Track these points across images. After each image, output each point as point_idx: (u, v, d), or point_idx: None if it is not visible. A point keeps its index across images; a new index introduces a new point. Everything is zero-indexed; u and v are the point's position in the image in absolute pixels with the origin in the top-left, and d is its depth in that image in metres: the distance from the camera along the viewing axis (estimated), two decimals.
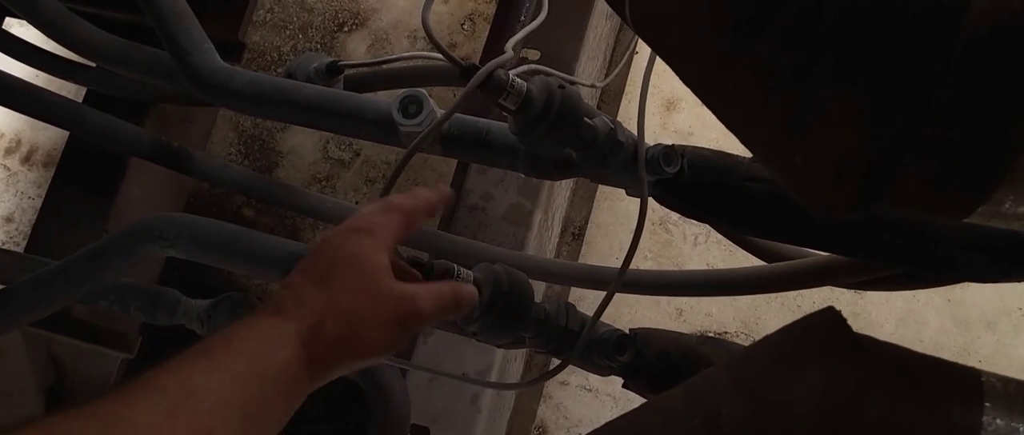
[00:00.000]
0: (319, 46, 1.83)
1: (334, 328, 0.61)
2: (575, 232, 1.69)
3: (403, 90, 0.97)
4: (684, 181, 0.90)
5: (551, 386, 1.70)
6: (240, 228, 1.03)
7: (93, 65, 1.33)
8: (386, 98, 0.99)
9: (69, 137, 1.47)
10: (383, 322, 0.64)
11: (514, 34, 1.23)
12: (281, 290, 0.64)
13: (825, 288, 1.03)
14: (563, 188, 1.57)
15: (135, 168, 1.42)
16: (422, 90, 0.97)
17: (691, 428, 0.58)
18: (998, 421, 0.53)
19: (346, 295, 0.63)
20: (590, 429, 0.68)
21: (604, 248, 1.70)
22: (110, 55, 1.19)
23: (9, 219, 1.90)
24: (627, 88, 1.74)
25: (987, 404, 0.53)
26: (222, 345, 0.56)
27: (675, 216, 1.74)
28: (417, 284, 0.69)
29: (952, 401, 0.53)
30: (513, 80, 0.84)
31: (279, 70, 1.62)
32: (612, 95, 1.74)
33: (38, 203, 1.85)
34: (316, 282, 0.64)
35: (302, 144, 1.82)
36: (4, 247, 1.74)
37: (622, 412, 0.66)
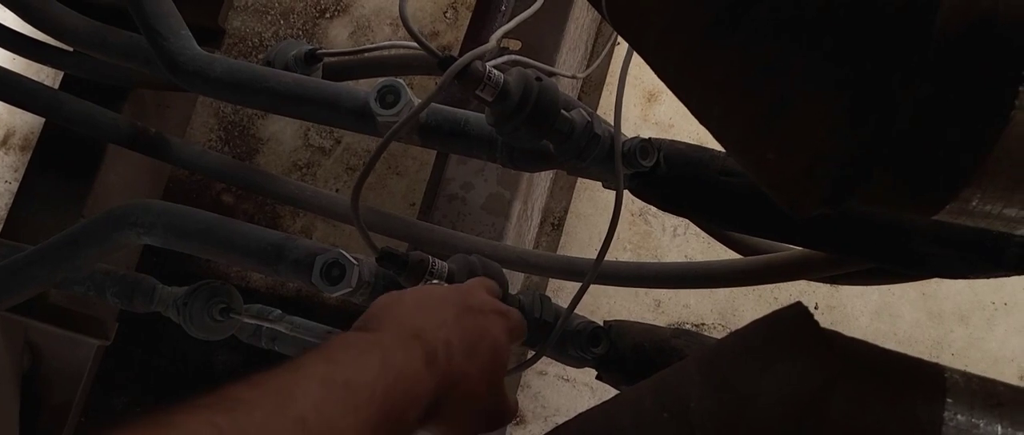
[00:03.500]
0: (301, 33, 1.82)
1: (459, 401, 0.60)
2: (555, 222, 1.70)
3: (381, 79, 0.97)
4: (660, 175, 0.90)
5: (529, 376, 1.71)
6: (217, 216, 1.03)
7: (70, 49, 1.32)
8: (367, 87, 0.99)
9: (46, 122, 1.45)
10: (484, 419, 0.63)
11: (495, 23, 1.23)
12: (433, 329, 0.60)
13: (801, 281, 1.04)
14: (543, 178, 1.57)
15: (113, 153, 1.41)
16: (400, 80, 0.97)
17: (660, 421, 0.59)
18: (959, 417, 0.53)
19: (481, 378, 0.62)
20: (566, 418, 0.68)
21: (584, 238, 1.70)
22: (86, 39, 1.18)
23: None
24: (608, 79, 1.74)
25: (949, 400, 0.54)
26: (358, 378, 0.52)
27: (654, 207, 1.75)
28: (513, 401, 0.68)
29: (916, 397, 0.54)
30: (490, 71, 0.84)
31: (260, 57, 1.61)
32: (593, 86, 1.74)
33: (14, 187, 1.83)
34: (465, 349, 0.61)
35: (283, 131, 1.82)
36: None
37: (599, 402, 0.66)
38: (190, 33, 1.05)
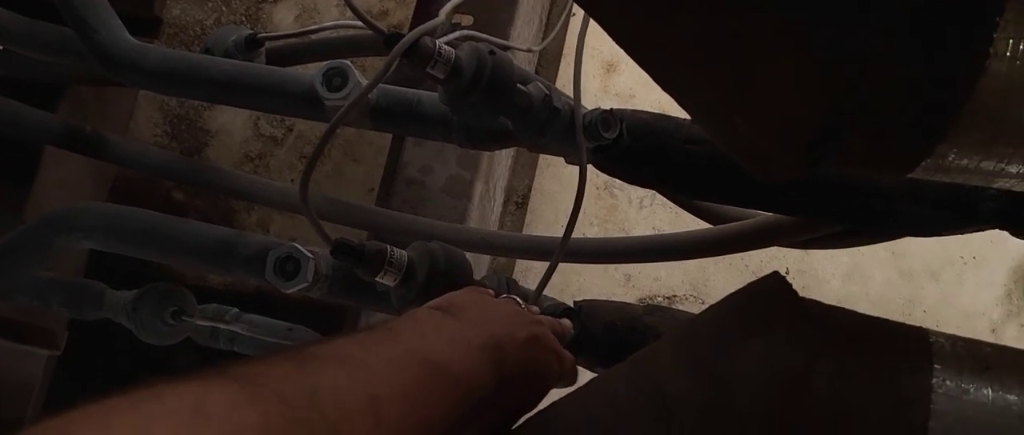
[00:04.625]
0: (244, 18, 1.75)
1: (495, 414, 0.59)
2: (518, 201, 1.66)
3: (327, 62, 0.92)
4: (623, 146, 0.87)
5: None
6: (162, 216, 0.98)
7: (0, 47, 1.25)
8: (315, 71, 0.94)
9: None
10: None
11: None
12: (507, 345, 0.60)
13: (772, 247, 1.02)
14: (504, 157, 1.53)
15: (52, 155, 1.34)
16: (346, 62, 0.92)
17: (637, 408, 0.56)
18: (948, 383, 0.51)
19: (518, 398, 0.62)
20: (542, 403, 0.65)
21: (549, 216, 1.67)
22: (14, 36, 1.11)
23: None
24: (565, 51, 1.70)
25: (937, 367, 0.51)
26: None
27: (620, 180, 1.72)
28: None
29: (903, 367, 0.51)
30: (441, 48, 0.80)
31: (195, 47, 1.55)
32: (550, 59, 1.70)
33: None
34: (523, 379, 0.61)
35: (232, 122, 1.75)
36: None
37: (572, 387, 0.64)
38: (122, 24, 0.99)
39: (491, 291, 0.76)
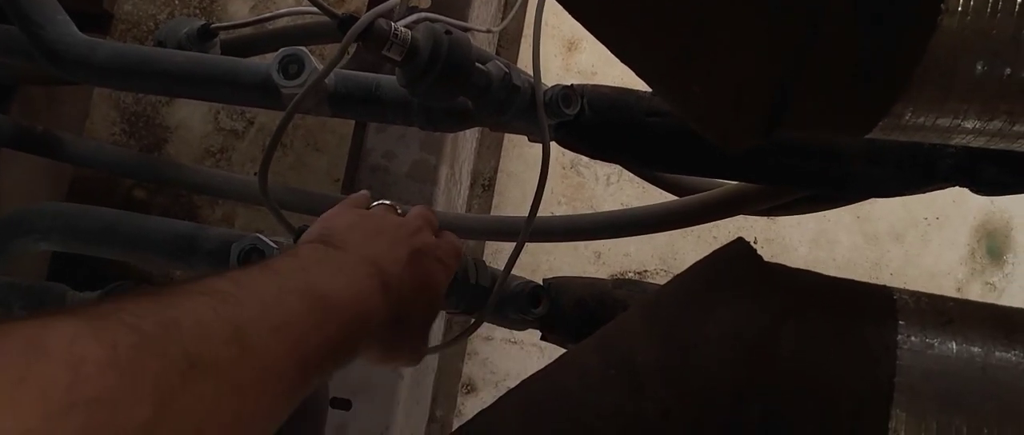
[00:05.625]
0: (198, 11, 1.72)
1: (392, 338, 0.60)
2: (485, 183, 1.65)
3: (282, 49, 0.91)
4: (586, 122, 0.86)
5: (475, 342, 1.67)
6: (120, 213, 0.96)
7: None
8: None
9: None
10: (408, 356, 0.64)
11: None
12: (389, 263, 0.60)
13: (738, 217, 1.02)
14: (469, 139, 1.52)
15: (6, 158, 1.31)
16: (302, 48, 0.91)
17: (607, 378, 0.55)
18: (913, 338, 0.51)
19: (417, 318, 0.63)
20: (517, 381, 0.65)
21: (517, 196, 1.66)
22: None
23: None
24: (525, 31, 1.69)
25: (901, 322, 0.52)
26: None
27: (586, 157, 1.72)
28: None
29: (867, 324, 0.52)
30: (396, 29, 0.78)
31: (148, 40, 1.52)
32: (510, 39, 1.69)
33: None
34: (413, 290, 0.61)
35: (190, 116, 1.72)
36: None
37: (549, 362, 0.63)
38: (69, 18, 0.97)
39: (365, 207, 0.74)
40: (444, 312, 1.54)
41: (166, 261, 0.92)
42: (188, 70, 0.92)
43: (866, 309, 0.53)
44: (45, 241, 0.91)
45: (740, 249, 0.57)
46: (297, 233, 0.77)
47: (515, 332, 1.70)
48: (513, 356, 1.66)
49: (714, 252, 0.59)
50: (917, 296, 0.56)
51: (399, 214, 0.72)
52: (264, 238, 0.87)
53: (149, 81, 0.93)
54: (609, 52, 0.61)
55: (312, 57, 0.91)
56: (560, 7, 0.80)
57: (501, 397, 0.62)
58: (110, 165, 1.09)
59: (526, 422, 0.59)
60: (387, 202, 0.75)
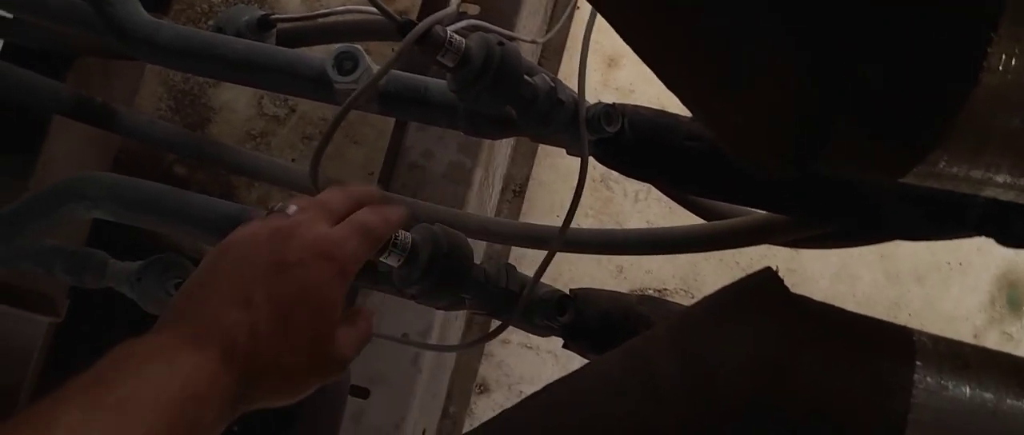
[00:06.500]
0: (253, 0, 1.76)
1: (274, 382, 0.55)
2: (516, 189, 1.68)
3: (338, 45, 0.94)
4: (625, 140, 0.89)
5: (492, 344, 1.70)
6: (168, 187, 0.99)
7: (9, 16, 1.26)
8: (323, 53, 0.96)
9: None
10: (313, 381, 0.58)
11: None
12: (235, 314, 0.53)
13: (763, 246, 1.04)
14: (504, 146, 1.55)
15: (59, 126, 1.35)
16: (358, 46, 0.94)
17: (628, 389, 0.58)
18: (928, 379, 0.54)
19: (294, 350, 0.55)
20: (531, 386, 0.67)
21: (545, 205, 1.69)
22: (26, 3, 1.13)
23: None
24: (568, 44, 1.72)
25: (919, 362, 0.54)
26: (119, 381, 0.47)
27: (616, 173, 1.74)
28: (350, 337, 0.61)
29: (885, 360, 0.54)
30: (451, 36, 0.82)
31: (209, 23, 1.55)
32: (553, 52, 1.72)
33: None
34: (275, 327, 0.55)
35: (236, 99, 1.76)
36: None
37: (563, 370, 0.65)
38: None
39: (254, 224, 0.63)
40: (465, 311, 1.57)
41: (209, 238, 0.95)
42: (247, 58, 0.95)
43: (886, 346, 0.55)
44: (96, 209, 0.95)
45: (768, 277, 0.60)
46: None
47: (532, 337, 1.73)
48: (528, 361, 1.68)
49: (743, 278, 0.62)
50: (936, 339, 0.58)
51: (288, 215, 0.63)
52: None
53: (208, 64, 0.96)
54: (649, 71, 0.63)
55: (366, 55, 0.94)
56: (605, 24, 0.82)
57: (526, 398, 0.65)
58: (160, 140, 1.13)
59: (547, 422, 0.62)
60: (285, 208, 0.65)
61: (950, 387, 0.53)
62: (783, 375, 0.53)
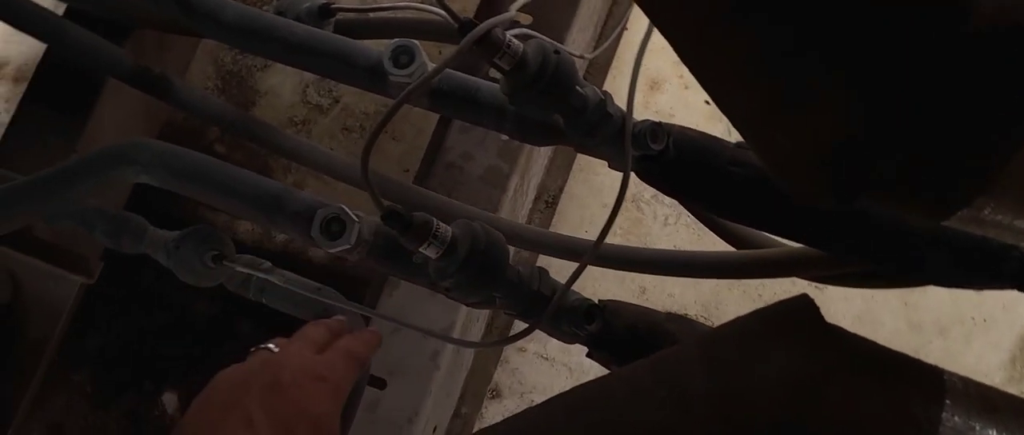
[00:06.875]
0: None
1: None
2: (549, 200, 1.70)
3: (396, 39, 0.96)
4: (668, 159, 0.90)
5: (509, 351, 1.71)
6: (216, 161, 1.02)
7: None
8: (376, 46, 0.98)
9: (45, 53, 1.43)
10: None
11: None
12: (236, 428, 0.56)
13: (787, 281, 1.05)
14: (541, 156, 1.57)
15: (111, 91, 1.39)
16: (415, 41, 0.96)
17: (657, 396, 0.59)
18: (956, 418, 0.54)
19: None
20: (542, 396, 0.69)
21: (575, 219, 1.70)
22: None
23: None
24: (614, 63, 1.73)
25: (948, 401, 0.55)
26: None
27: (647, 195, 1.76)
28: None
29: (915, 395, 0.55)
30: (510, 40, 0.83)
31: (266, 6, 1.59)
32: (598, 69, 1.73)
33: (4, 118, 1.80)
34: (277, 433, 0.58)
35: (281, 85, 1.80)
36: None
37: (576, 384, 0.66)
38: None
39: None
40: (487, 314, 1.58)
41: (252, 214, 0.97)
42: (306, 42, 0.98)
43: (917, 381, 0.56)
44: (145, 174, 0.97)
45: (804, 303, 0.61)
46: (384, 212, 0.81)
47: (548, 348, 1.74)
48: (543, 371, 1.69)
49: (778, 302, 0.63)
50: (966, 381, 0.59)
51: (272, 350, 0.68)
52: (347, 210, 0.92)
53: (268, 45, 0.99)
54: (690, 97, 0.64)
55: (422, 51, 0.96)
56: (652, 46, 0.83)
57: (552, 397, 0.66)
58: (211, 115, 1.15)
59: (571, 423, 0.63)
60: (267, 346, 0.70)
61: (977, 428, 0.54)
62: (813, 398, 0.54)
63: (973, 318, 1.67)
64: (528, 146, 1.35)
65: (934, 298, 1.66)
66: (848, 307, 1.70)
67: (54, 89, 1.40)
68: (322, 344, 0.70)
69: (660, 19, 0.67)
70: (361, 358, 0.71)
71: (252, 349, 0.70)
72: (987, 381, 1.64)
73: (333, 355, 0.67)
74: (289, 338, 0.71)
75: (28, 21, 1.10)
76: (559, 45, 1.00)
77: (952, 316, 1.68)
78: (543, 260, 1.66)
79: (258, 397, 0.59)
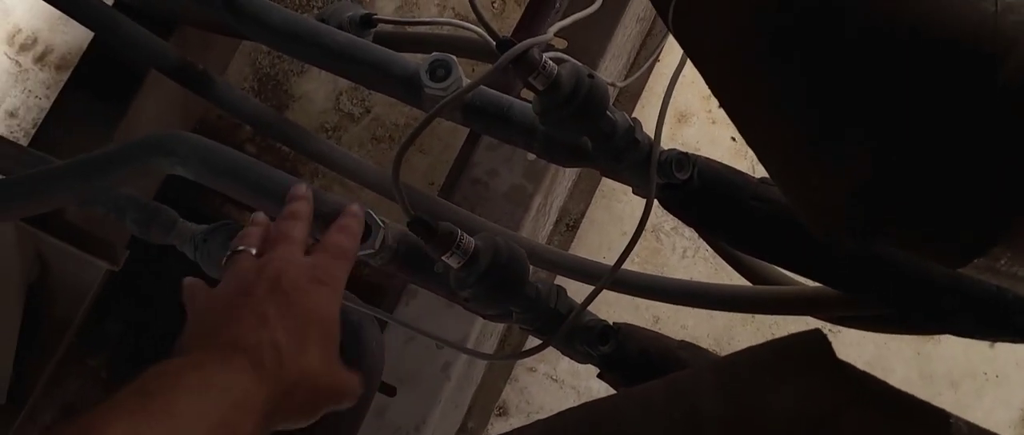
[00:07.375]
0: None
1: (301, 398, 0.58)
2: (570, 223, 1.71)
3: (434, 54, 0.99)
4: (692, 189, 0.92)
5: (518, 369, 1.72)
6: (251, 159, 1.04)
7: None
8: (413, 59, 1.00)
9: (91, 42, 1.47)
10: (331, 400, 0.61)
11: (548, 18, 1.24)
12: (252, 333, 0.57)
13: (801, 319, 1.05)
14: (565, 179, 1.59)
15: (151, 84, 1.42)
16: (452, 56, 0.98)
17: (671, 419, 0.60)
18: None
19: (320, 366, 0.59)
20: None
21: (594, 243, 1.72)
22: None
23: (12, 114, 1.90)
24: (644, 94, 1.75)
25: None
26: (171, 393, 0.50)
27: (667, 225, 1.77)
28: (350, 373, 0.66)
29: (921, 432, 0.56)
30: (546, 61, 0.85)
31: (310, 12, 1.63)
32: (628, 97, 1.76)
33: (45, 104, 1.85)
34: (296, 341, 0.58)
35: (316, 91, 1.83)
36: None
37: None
38: None
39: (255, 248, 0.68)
40: (501, 330, 1.59)
41: (279, 210, 0.99)
42: (347, 50, 1.00)
43: (924, 422, 0.57)
44: (182, 166, 1.00)
45: (817, 337, 0.62)
46: (411, 219, 0.83)
47: (558, 370, 1.75)
48: (551, 392, 1.70)
49: (792, 334, 0.64)
50: (973, 426, 0.60)
51: (255, 255, 0.68)
52: (374, 215, 0.94)
53: (309, 51, 1.02)
54: (716, 132, 0.66)
55: (458, 66, 0.98)
56: (682, 79, 0.85)
57: (564, 410, 0.68)
58: (248, 115, 1.18)
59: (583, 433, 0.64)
60: (248, 248, 0.70)
61: None
62: (824, 430, 0.55)
63: (985, 373, 1.67)
64: (553, 167, 1.37)
65: (948, 349, 1.66)
66: (860, 352, 1.70)
67: (97, 78, 1.44)
68: (303, 240, 0.70)
69: (698, 56, 0.69)
70: (350, 253, 0.71)
71: (228, 254, 0.70)
72: None
73: (324, 257, 0.67)
74: (262, 235, 0.70)
75: (83, 10, 1.13)
76: (592, 71, 1.02)
77: (965, 369, 1.67)
78: (559, 281, 1.67)
79: (268, 300, 0.59)
